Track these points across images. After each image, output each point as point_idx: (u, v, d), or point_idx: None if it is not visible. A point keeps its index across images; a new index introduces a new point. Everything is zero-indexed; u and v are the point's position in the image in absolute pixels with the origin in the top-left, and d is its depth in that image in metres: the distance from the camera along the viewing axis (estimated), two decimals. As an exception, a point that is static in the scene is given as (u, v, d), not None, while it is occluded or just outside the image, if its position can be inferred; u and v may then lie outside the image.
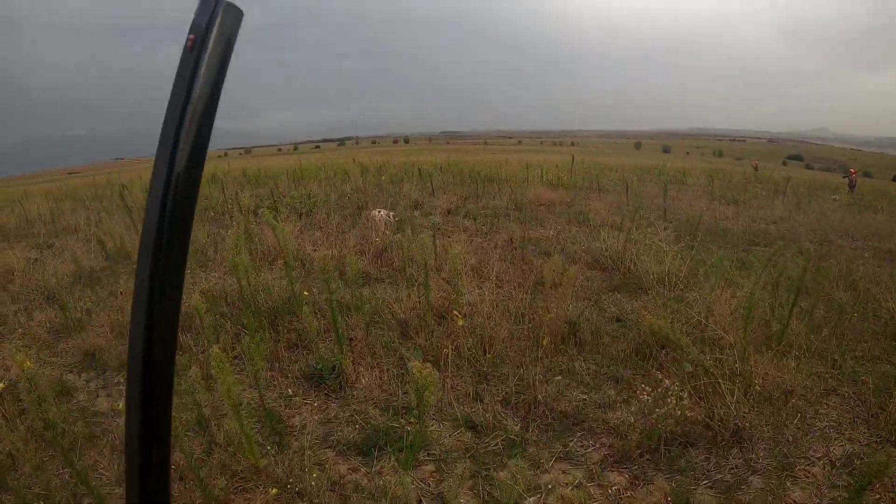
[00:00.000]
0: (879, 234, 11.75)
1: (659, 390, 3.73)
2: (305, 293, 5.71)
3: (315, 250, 8.12)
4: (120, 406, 3.56)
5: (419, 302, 5.55)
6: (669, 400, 3.64)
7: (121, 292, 6.12)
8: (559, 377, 4.49)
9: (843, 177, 27.24)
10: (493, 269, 6.06)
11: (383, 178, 18.40)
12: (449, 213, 12.55)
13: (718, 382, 4.10)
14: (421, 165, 22.25)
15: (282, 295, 5.78)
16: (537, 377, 4.40)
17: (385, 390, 4.39)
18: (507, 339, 5.02)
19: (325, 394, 4.39)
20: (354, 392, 4.36)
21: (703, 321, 5.16)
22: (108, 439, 3.94)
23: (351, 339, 4.83)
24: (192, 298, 5.83)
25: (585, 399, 4.38)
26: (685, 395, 3.81)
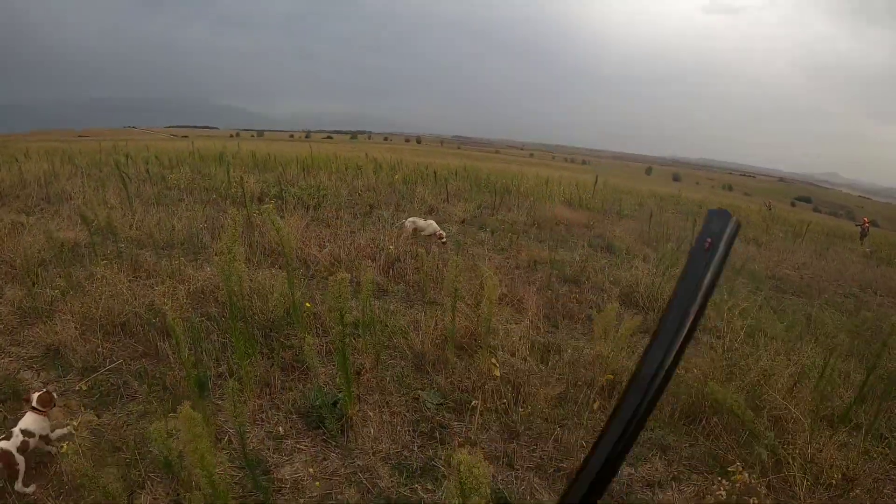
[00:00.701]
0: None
1: (739, 486, 3.01)
2: (308, 305, 4.97)
3: (321, 250, 7.40)
4: (67, 429, 2.82)
5: (436, 329, 4.82)
6: (752, 501, 2.93)
7: (97, 277, 5.33)
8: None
9: (857, 225, 27.33)
10: (530, 304, 5.29)
11: (396, 177, 17.68)
12: (464, 222, 11.87)
13: (792, 474, 3.48)
14: (435, 168, 21.58)
15: (280, 300, 5.00)
16: (580, 443, 3.68)
17: (397, 441, 3.60)
18: (542, 386, 4.28)
19: (324, 439, 3.59)
20: (360, 440, 3.56)
21: (762, 385, 4.50)
22: (55, 468, 3.18)
23: (358, 373, 4.06)
24: (176, 298, 5.12)
25: (632, 474, 3.67)
26: (764, 491, 3.13)
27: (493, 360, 4.00)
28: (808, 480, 3.54)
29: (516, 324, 5.53)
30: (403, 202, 13.31)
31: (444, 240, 8.72)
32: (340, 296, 2.78)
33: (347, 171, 18.04)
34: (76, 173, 14.74)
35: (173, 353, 4.25)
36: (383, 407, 3.88)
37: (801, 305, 8.88)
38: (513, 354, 4.66)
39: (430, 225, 8.86)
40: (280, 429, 3.62)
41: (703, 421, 4.26)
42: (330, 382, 4.14)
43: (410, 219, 9.05)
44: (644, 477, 3.67)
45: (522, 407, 3.94)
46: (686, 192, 36.65)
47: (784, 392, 4.41)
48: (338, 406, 3.68)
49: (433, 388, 4.20)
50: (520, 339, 4.85)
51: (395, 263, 7.34)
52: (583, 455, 3.19)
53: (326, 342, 4.67)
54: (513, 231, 10.95)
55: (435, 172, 19.00)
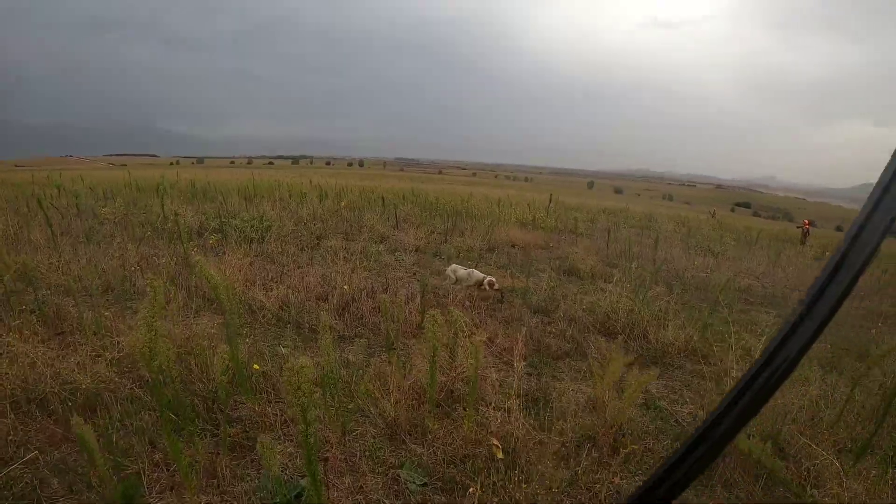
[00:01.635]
0: (860, 294, 11.22)
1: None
2: (256, 367, 4.25)
3: (268, 293, 6.67)
4: None
5: (409, 391, 4.18)
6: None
7: (8, 344, 4.45)
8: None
9: (797, 227, 28.50)
10: (514, 348, 4.67)
11: (342, 204, 16.97)
12: (417, 250, 11.27)
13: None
14: (382, 193, 20.98)
15: (223, 365, 4.20)
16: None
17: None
18: (539, 446, 3.69)
19: (293, 549, 2.88)
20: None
21: (780, 421, 4.09)
22: None
23: (325, 460, 3.35)
24: (95, 372, 4.31)
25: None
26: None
27: (496, 443, 3.37)
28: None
29: (495, 368, 4.97)
30: (352, 231, 12.68)
31: (497, 286, 7.48)
32: (300, 389, 2.08)
33: (291, 200, 17.25)
34: (5, 208, 13.48)
35: (99, 438, 3.46)
36: (357, 494, 3.19)
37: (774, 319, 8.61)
38: (498, 409, 4.06)
39: (472, 274, 7.63)
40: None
41: (720, 466, 3.78)
42: (289, 465, 3.42)
43: (451, 267, 7.94)
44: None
45: (526, 483, 3.31)
46: (632, 205, 37.03)
47: (802, 426, 4.03)
48: (302, 499, 2.98)
49: (413, 462, 3.53)
50: (501, 387, 4.27)
51: (349, 304, 6.67)
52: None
53: (280, 410, 3.98)
54: (469, 258, 10.45)
55: (382, 197, 18.40)
